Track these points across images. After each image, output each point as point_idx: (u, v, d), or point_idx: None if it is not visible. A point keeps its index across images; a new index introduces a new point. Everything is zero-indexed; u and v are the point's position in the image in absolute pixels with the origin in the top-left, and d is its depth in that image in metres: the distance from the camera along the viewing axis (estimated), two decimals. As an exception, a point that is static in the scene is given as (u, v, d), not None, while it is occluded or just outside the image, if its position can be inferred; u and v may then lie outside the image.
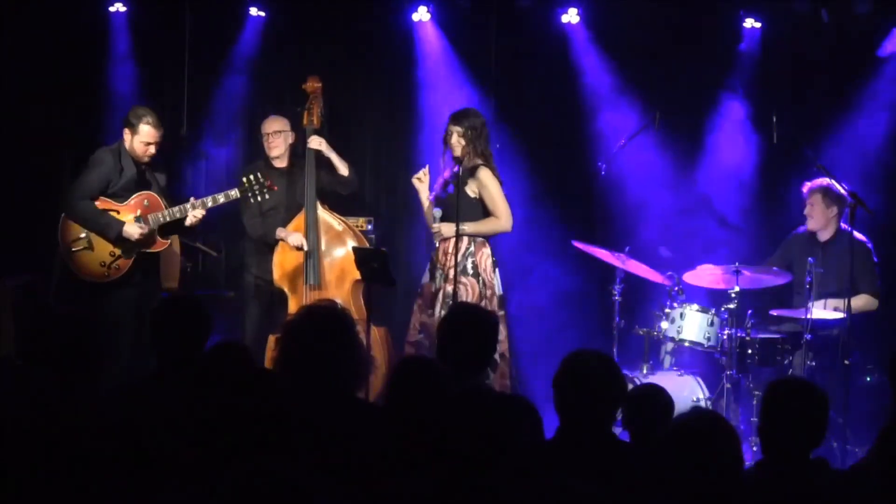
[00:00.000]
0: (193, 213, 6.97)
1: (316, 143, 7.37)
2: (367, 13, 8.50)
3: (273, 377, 3.21)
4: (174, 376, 4.25)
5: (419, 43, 8.52)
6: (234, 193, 7.08)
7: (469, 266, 6.83)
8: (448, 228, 6.86)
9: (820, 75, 8.27)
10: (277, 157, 7.52)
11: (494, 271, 6.94)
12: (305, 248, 7.26)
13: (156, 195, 7.05)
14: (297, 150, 7.57)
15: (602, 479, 3.38)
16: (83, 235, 6.96)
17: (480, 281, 6.84)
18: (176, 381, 4.17)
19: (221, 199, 7.07)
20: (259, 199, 7.13)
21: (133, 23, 8.36)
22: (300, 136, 7.53)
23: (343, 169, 7.45)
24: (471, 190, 6.93)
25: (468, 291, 6.79)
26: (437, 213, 6.93)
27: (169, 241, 7.09)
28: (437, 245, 7.01)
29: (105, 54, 8.35)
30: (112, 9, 8.32)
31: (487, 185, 6.90)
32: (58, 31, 8.20)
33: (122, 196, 7.00)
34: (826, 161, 7.32)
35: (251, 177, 7.10)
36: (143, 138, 6.97)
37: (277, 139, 7.50)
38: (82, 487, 3.20)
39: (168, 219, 6.98)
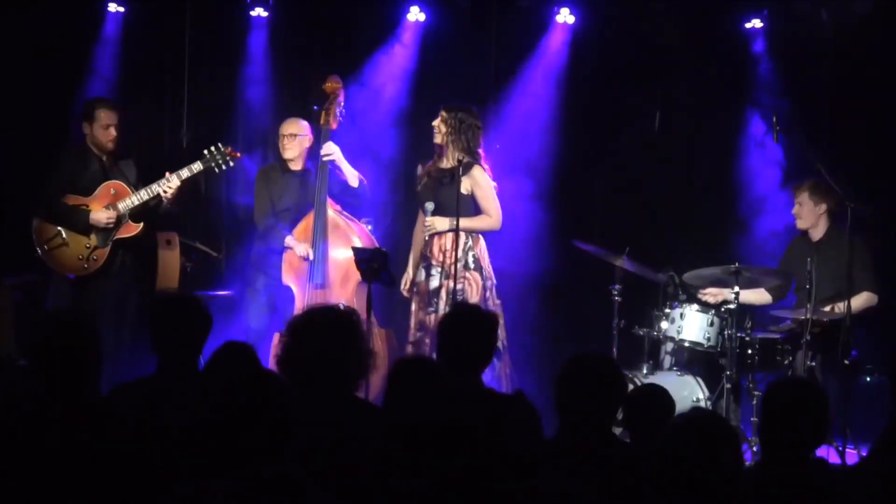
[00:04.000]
0: (168, 186, 7.02)
1: (328, 150, 7.27)
2: (366, 13, 8.51)
3: (276, 378, 3.20)
4: (174, 376, 4.25)
5: (417, 43, 8.54)
6: (198, 166, 7.13)
7: (470, 260, 6.82)
8: (441, 223, 6.88)
9: (821, 74, 8.26)
10: (292, 160, 7.48)
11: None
12: (311, 258, 7.23)
13: (122, 183, 7.12)
14: (315, 153, 7.53)
15: (602, 479, 3.39)
16: (57, 232, 7.07)
17: (483, 274, 6.85)
18: (176, 381, 4.17)
19: (185, 173, 7.10)
20: (224, 168, 7.18)
21: (132, 23, 8.36)
22: (318, 135, 7.50)
23: (353, 180, 7.36)
24: (464, 187, 6.91)
25: (472, 286, 6.79)
26: (430, 206, 6.90)
27: (140, 224, 7.11)
28: (428, 239, 6.98)
29: (104, 54, 8.36)
30: (111, 8, 8.32)
31: (481, 183, 6.90)
32: (57, 31, 8.19)
33: (88, 190, 7.09)
34: (827, 161, 7.30)
35: (212, 148, 7.16)
36: (101, 122, 7.09)
37: (292, 142, 7.43)
38: (83, 487, 3.20)
39: (138, 202, 7.06)
